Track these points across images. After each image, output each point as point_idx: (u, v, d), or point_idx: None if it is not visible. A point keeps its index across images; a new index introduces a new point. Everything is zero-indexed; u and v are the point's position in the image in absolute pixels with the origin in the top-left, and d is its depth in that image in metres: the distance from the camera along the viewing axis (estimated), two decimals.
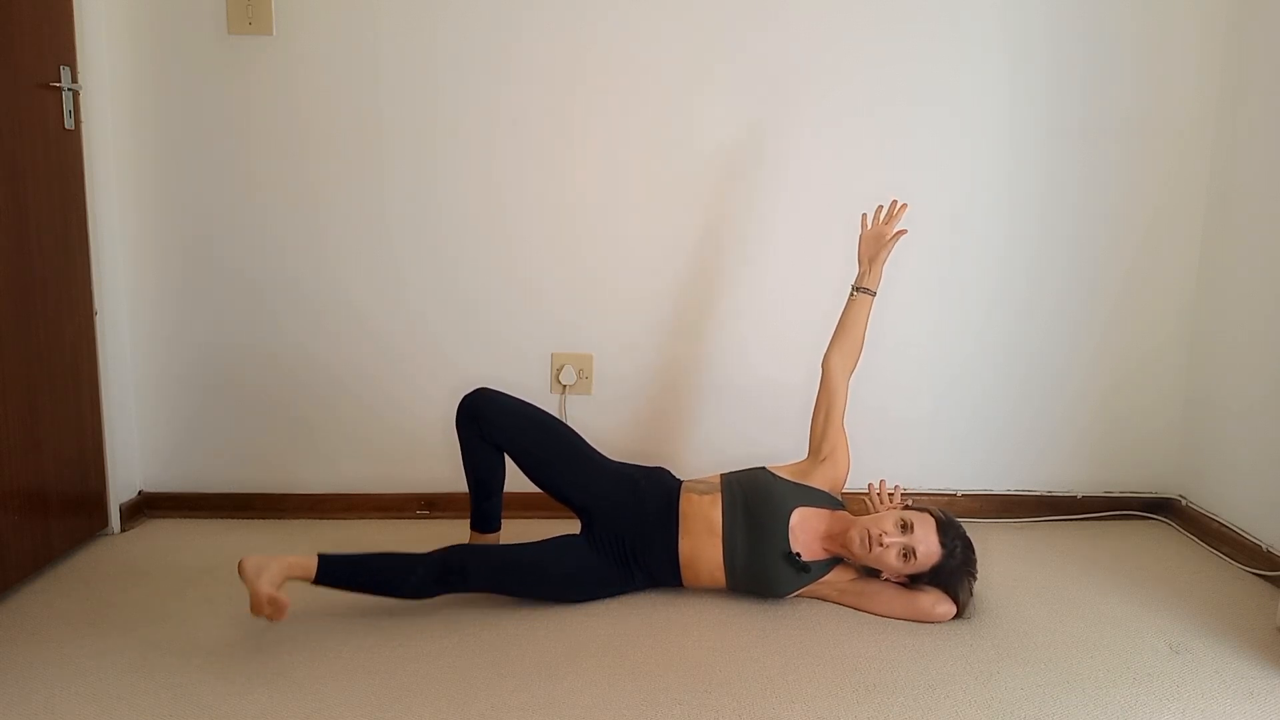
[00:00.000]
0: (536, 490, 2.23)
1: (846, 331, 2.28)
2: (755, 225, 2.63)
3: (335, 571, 1.98)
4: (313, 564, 1.96)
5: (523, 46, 2.52)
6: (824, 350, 2.29)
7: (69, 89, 2.29)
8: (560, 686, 1.79)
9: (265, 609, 1.86)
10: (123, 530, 2.55)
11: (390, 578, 2.02)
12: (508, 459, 2.21)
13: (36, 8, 2.19)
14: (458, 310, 2.64)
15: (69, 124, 2.30)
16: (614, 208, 2.61)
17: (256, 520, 2.65)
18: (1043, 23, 2.56)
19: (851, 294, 2.30)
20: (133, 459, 2.63)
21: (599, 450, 2.26)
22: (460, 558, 2.05)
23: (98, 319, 2.44)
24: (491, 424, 2.15)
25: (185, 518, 2.66)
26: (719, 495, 2.16)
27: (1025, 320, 2.70)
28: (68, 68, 2.29)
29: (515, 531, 2.28)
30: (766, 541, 2.11)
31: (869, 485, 2.33)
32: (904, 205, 2.30)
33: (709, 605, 2.14)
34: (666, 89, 2.56)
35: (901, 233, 2.29)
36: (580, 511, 2.19)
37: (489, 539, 2.26)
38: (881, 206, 2.33)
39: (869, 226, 2.33)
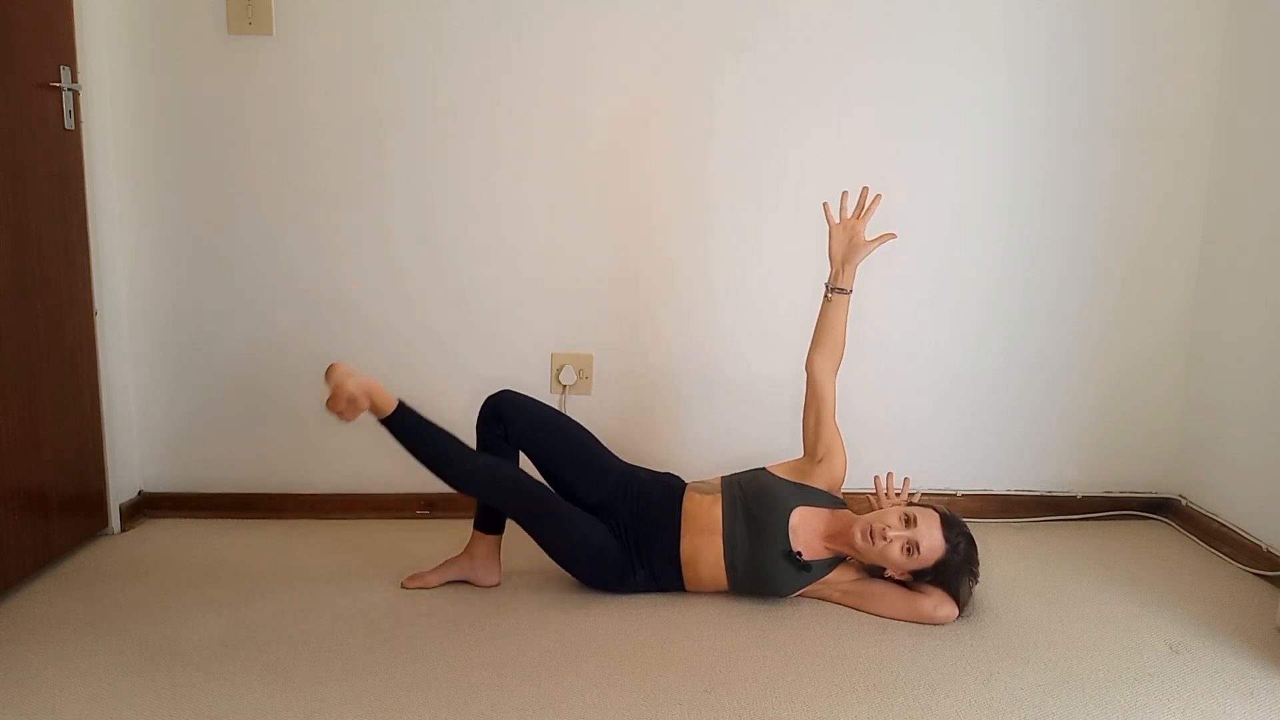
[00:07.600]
0: None
1: (827, 334, 2.21)
2: (754, 225, 2.63)
3: (407, 422, 2.06)
4: (391, 404, 2.05)
5: (523, 46, 2.53)
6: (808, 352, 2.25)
7: (69, 89, 2.29)
8: (560, 686, 1.79)
9: (341, 404, 1.97)
10: (123, 530, 2.55)
11: (451, 454, 2.07)
12: (523, 461, 2.23)
13: (36, 8, 2.19)
14: (457, 310, 2.64)
15: (69, 124, 2.30)
16: (614, 207, 2.61)
17: (257, 520, 2.65)
18: (1043, 22, 2.56)
19: (827, 295, 2.20)
20: (133, 459, 2.63)
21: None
22: (514, 475, 2.12)
23: (98, 319, 2.44)
24: (515, 425, 2.19)
25: (185, 518, 2.66)
26: (720, 495, 2.17)
27: (1026, 320, 2.70)
28: (68, 68, 2.29)
29: (515, 533, 2.28)
30: (767, 540, 2.11)
31: (874, 479, 2.31)
32: (877, 196, 2.19)
33: (709, 606, 2.14)
34: (667, 89, 2.56)
35: (887, 236, 2.18)
36: (590, 512, 2.19)
37: (492, 540, 2.26)
38: (847, 193, 2.21)
39: (836, 219, 2.21)
